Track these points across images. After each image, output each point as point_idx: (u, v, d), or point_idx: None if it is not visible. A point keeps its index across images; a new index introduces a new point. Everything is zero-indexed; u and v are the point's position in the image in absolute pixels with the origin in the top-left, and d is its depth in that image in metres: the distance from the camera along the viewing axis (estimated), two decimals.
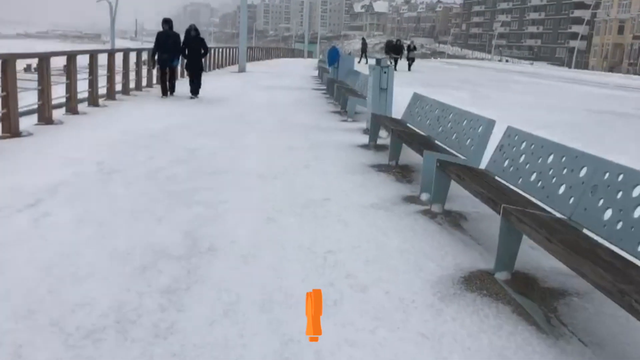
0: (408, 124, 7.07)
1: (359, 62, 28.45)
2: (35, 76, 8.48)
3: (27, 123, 7.85)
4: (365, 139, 7.95)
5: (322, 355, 2.43)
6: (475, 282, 3.25)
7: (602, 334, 2.76)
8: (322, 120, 9.98)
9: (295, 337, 2.56)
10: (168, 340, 2.52)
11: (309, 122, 9.65)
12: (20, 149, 6.33)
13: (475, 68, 39.68)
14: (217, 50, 24.40)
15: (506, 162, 4.34)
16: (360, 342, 2.56)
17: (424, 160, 4.98)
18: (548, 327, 2.78)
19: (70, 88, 9.15)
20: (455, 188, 4.62)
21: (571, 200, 3.36)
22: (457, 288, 3.16)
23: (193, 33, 12.08)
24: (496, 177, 4.40)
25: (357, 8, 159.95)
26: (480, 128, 5.00)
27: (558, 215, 3.39)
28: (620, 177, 3.04)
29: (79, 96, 9.77)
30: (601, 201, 3.09)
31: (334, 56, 16.28)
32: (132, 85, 12.71)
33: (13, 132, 7.03)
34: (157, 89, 12.47)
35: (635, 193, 2.88)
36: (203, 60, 12.74)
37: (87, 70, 10.19)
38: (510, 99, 15.91)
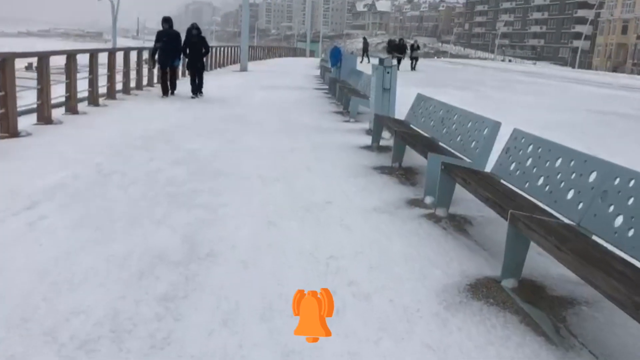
0: (411, 125, 6.98)
1: (360, 61, 28.33)
2: (36, 75, 8.40)
3: (26, 122, 7.77)
4: (367, 140, 7.86)
5: None
6: (482, 290, 3.16)
7: (613, 345, 2.67)
8: (324, 121, 9.89)
9: (296, 348, 2.48)
10: (164, 350, 2.44)
11: (310, 122, 9.56)
12: (18, 150, 6.26)
13: (478, 68, 39.55)
14: (218, 49, 24.32)
15: (512, 166, 4.25)
16: (363, 353, 2.48)
17: (428, 163, 4.89)
18: (557, 338, 2.69)
19: (70, 87, 9.07)
20: (459, 191, 4.53)
21: (580, 206, 3.27)
22: (463, 296, 3.07)
23: (194, 32, 11.98)
24: (502, 181, 4.31)
25: (360, 7, 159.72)
26: (486, 130, 4.90)
27: (566, 221, 3.30)
28: (632, 182, 2.94)
29: (80, 95, 9.71)
30: (612, 207, 3.00)
31: (336, 56, 16.19)
32: (132, 84, 12.64)
33: (11, 132, 6.95)
34: (158, 88, 12.39)
35: None
36: (204, 59, 12.64)
37: (88, 69, 10.14)
38: (513, 99, 15.80)
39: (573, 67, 59.97)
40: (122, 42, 55.95)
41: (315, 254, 3.57)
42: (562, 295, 3.14)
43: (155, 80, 13.74)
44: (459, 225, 4.30)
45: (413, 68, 27.45)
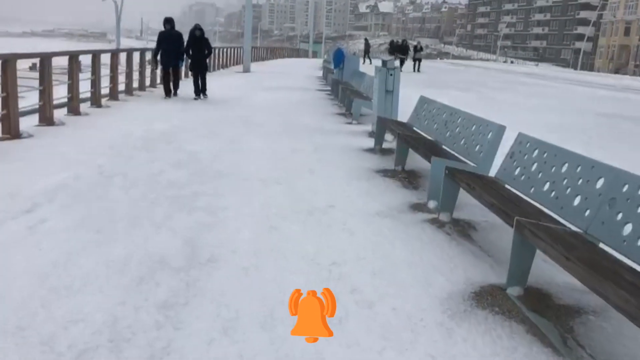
0: (414, 128, 6.93)
1: (363, 62, 28.30)
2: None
3: (28, 123, 7.75)
4: (370, 142, 7.81)
5: None
6: (487, 298, 3.10)
7: (622, 358, 2.61)
8: (326, 123, 9.84)
9: (297, 358, 2.43)
10: None
11: (313, 124, 9.52)
12: (19, 151, 6.22)
13: (481, 69, 39.47)
14: (221, 50, 24.30)
15: (517, 170, 4.20)
16: None
17: (431, 167, 4.84)
18: (565, 349, 2.63)
19: (72, 88, 9.04)
20: (463, 195, 4.47)
21: (587, 213, 3.21)
22: (468, 305, 3.02)
23: (198, 33, 11.90)
24: (506, 186, 4.26)
25: (362, 8, 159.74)
26: (490, 134, 4.85)
27: (573, 228, 3.24)
28: None
29: (83, 96, 9.69)
30: (620, 215, 2.95)
31: (339, 58, 16.14)
32: (135, 85, 12.61)
33: (13, 133, 6.92)
34: (160, 89, 12.35)
35: None
36: (207, 60, 12.58)
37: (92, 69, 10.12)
38: (516, 101, 15.73)
39: (575, 68, 59.84)
40: (125, 43, 56.03)
41: (318, 259, 3.52)
42: (568, 304, 3.08)
43: (158, 81, 13.70)
44: (463, 230, 4.24)
45: (417, 70, 27.39)
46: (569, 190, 3.49)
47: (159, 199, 4.64)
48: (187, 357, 2.41)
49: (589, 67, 66.49)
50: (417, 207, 4.78)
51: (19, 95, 8.27)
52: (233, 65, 24.96)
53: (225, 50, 25.14)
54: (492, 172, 4.70)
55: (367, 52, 34.64)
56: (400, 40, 30.86)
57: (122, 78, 11.83)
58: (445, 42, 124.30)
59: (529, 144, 4.23)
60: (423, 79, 21.97)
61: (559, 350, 2.62)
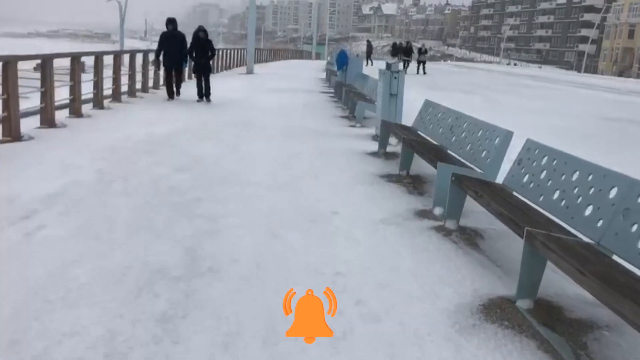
0: (419, 132, 6.83)
1: (366, 65, 28.21)
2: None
3: (29, 125, 7.68)
4: (374, 146, 7.72)
5: None
6: (496, 311, 3.00)
7: None
8: (330, 126, 9.76)
9: None
10: None
11: (316, 127, 9.43)
12: (19, 155, 6.14)
13: (484, 71, 39.34)
14: (225, 51, 24.25)
15: (526, 178, 4.10)
16: None
17: (437, 173, 4.74)
18: None
19: (75, 90, 8.97)
20: (469, 201, 4.37)
21: (600, 224, 3.11)
22: (477, 318, 2.92)
23: (201, 34, 11.78)
24: (514, 193, 4.16)
25: (366, 10, 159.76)
26: (497, 139, 4.76)
27: (585, 239, 3.14)
28: None
29: (86, 97, 9.62)
30: (635, 226, 2.85)
31: (342, 60, 16.06)
32: (138, 86, 12.54)
33: (13, 135, 6.84)
34: (163, 91, 12.26)
35: None
36: (211, 62, 12.46)
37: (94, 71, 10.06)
38: (520, 104, 15.62)
39: (579, 71, 59.65)
40: (129, 43, 56.04)
41: (321, 269, 3.43)
42: (580, 317, 2.98)
43: (161, 82, 13.62)
44: (470, 239, 4.14)
45: (423, 72, 27.30)
46: (580, 199, 3.39)
47: (160, 206, 4.55)
48: None
49: (592, 69, 66.23)
50: (423, 214, 4.68)
51: (23, 95, 8.22)
52: (236, 67, 24.89)
53: (228, 51, 25.09)
54: (499, 179, 4.61)
55: (369, 54, 34.53)
56: (404, 43, 30.76)
57: (125, 79, 11.77)
58: (448, 44, 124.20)
59: (537, 150, 4.13)
60: (426, 81, 21.87)
61: None
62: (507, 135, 4.67)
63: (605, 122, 12.97)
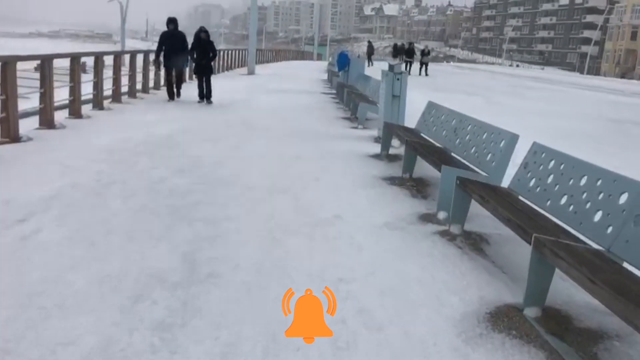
0: (422, 134, 6.75)
1: (367, 66, 28.14)
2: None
3: (28, 126, 7.61)
4: (376, 148, 7.64)
5: None
6: (503, 320, 2.92)
7: None
8: (331, 127, 9.68)
9: None
10: None
11: (318, 128, 9.36)
12: (17, 156, 6.07)
13: (487, 73, 39.24)
14: (226, 52, 24.19)
15: (532, 182, 4.01)
16: None
17: (442, 177, 4.66)
18: None
19: (74, 91, 8.91)
20: (473, 205, 4.29)
21: (609, 230, 3.03)
22: (483, 327, 2.84)
23: (203, 35, 11.68)
24: (520, 197, 4.08)
25: (367, 11, 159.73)
26: (503, 142, 4.67)
27: (594, 246, 3.06)
28: None
29: (86, 98, 9.56)
30: None
31: (343, 61, 15.97)
32: (138, 87, 12.48)
33: (12, 137, 6.77)
34: (164, 91, 12.19)
35: None
36: (212, 63, 12.36)
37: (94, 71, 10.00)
38: (524, 106, 15.54)
39: (582, 72, 59.51)
40: (131, 44, 56.04)
41: (324, 276, 3.35)
42: (590, 327, 2.89)
43: (161, 83, 13.54)
44: (475, 244, 4.06)
45: (426, 73, 27.24)
46: (588, 204, 3.30)
47: (159, 209, 4.47)
48: None
49: (595, 71, 66.11)
50: (427, 218, 4.59)
51: (24, 96, 8.18)
52: (237, 67, 24.83)
53: (230, 52, 25.03)
54: (504, 183, 4.53)
55: (370, 55, 34.45)
56: (406, 44, 30.69)
57: (125, 80, 11.70)
58: (450, 45, 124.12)
59: (544, 154, 4.04)
60: (429, 83, 21.80)
61: None
62: (513, 139, 4.58)
63: (609, 124, 12.88)
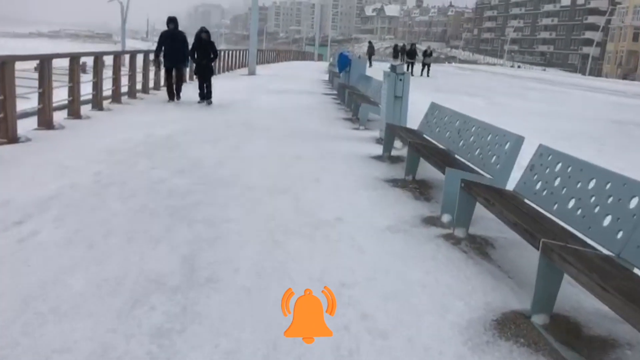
0: (425, 135, 6.68)
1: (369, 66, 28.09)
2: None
3: (27, 126, 7.55)
4: (378, 149, 7.56)
5: None
6: (510, 327, 2.85)
7: None
8: (332, 128, 9.61)
9: None
10: None
11: (319, 129, 9.29)
12: (15, 157, 6.00)
13: (488, 74, 39.19)
14: (227, 52, 24.12)
15: (538, 185, 3.94)
16: None
17: (446, 179, 4.58)
18: None
19: (74, 91, 8.84)
20: (477, 208, 4.22)
21: (619, 235, 2.96)
22: (490, 335, 2.77)
23: (204, 36, 11.57)
24: (525, 200, 4.01)
25: (369, 11, 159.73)
26: (508, 144, 4.60)
27: (604, 251, 2.98)
28: None
29: (86, 98, 9.49)
30: None
31: (344, 62, 15.88)
32: (138, 87, 12.41)
33: (10, 137, 6.70)
34: (164, 92, 12.12)
35: None
36: (213, 64, 12.27)
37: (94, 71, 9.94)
38: (526, 107, 15.47)
39: (583, 73, 59.44)
40: (131, 44, 56.01)
41: (325, 279, 3.27)
42: (600, 334, 2.82)
43: (162, 83, 13.46)
44: (480, 248, 3.98)
45: (427, 74, 27.20)
46: (597, 208, 3.23)
47: (158, 210, 4.40)
48: None
49: (596, 72, 66.04)
50: (430, 221, 4.52)
51: (24, 96, 8.12)
52: (238, 67, 24.77)
53: (230, 53, 24.96)
54: (509, 185, 4.46)
55: (370, 55, 34.39)
56: (407, 45, 30.65)
57: (125, 80, 11.63)
58: (451, 46, 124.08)
59: (550, 156, 3.97)
60: (430, 83, 21.74)
61: None
62: (518, 141, 4.51)
63: (611, 125, 12.81)
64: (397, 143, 7.53)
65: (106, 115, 9.43)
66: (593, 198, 3.30)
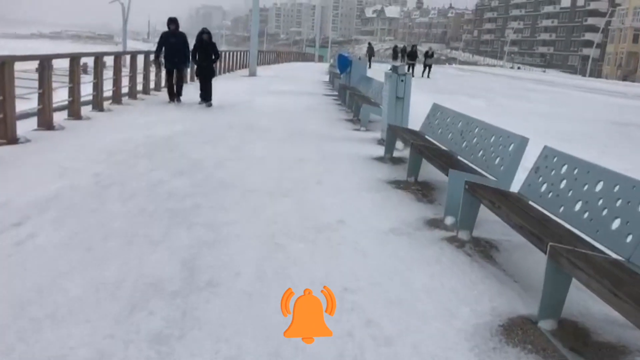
0: (427, 137, 6.62)
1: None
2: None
3: (27, 127, 7.50)
4: (380, 151, 7.50)
5: None
6: (517, 333, 2.78)
7: None
8: (334, 129, 9.55)
9: None
10: None
11: (320, 130, 9.23)
12: (14, 158, 5.94)
13: (489, 75, 39.15)
14: (228, 53, 24.08)
15: (544, 187, 3.88)
16: None
17: (449, 181, 4.52)
18: None
19: (74, 91, 8.78)
20: (480, 210, 4.15)
21: (629, 239, 2.89)
22: (497, 341, 2.70)
23: (205, 37, 11.48)
24: (530, 202, 3.95)
25: (369, 13, 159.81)
26: (512, 146, 4.54)
27: (613, 255, 2.92)
28: None
29: (86, 99, 9.44)
30: None
31: (344, 64, 15.82)
32: (139, 88, 12.35)
33: (9, 138, 6.64)
34: (165, 92, 12.06)
35: None
36: (214, 65, 12.19)
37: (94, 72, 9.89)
38: (528, 108, 15.40)
39: (583, 75, 59.42)
40: (132, 45, 56.04)
41: (328, 285, 3.19)
42: (609, 341, 2.76)
43: (162, 84, 13.39)
44: (485, 251, 3.92)
45: (428, 76, 27.17)
46: (605, 211, 3.17)
47: (157, 213, 4.34)
48: None
49: (596, 73, 66.00)
50: (434, 224, 4.46)
51: (24, 97, 8.07)
52: (239, 69, 24.73)
53: (231, 54, 24.92)
54: (513, 187, 4.40)
55: (370, 57, 34.35)
56: (408, 46, 30.62)
57: (125, 81, 11.57)
58: (451, 47, 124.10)
59: (556, 158, 3.91)
60: (430, 85, 21.69)
61: None
62: (523, 142, 4.45)
63: (613, 126, 12.74)
64: (399, 144, 7.47)
65: (106, 116, 9.38)
66: (601, 201, 3.24)
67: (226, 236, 3.92)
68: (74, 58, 8.90)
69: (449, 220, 4.46)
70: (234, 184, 5.39)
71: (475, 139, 5.31)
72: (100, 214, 4.26)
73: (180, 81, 11.87)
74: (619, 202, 3.08)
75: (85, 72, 14.23)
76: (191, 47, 11.60)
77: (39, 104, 7.75)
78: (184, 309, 2.84)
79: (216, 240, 3.82)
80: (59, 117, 8.26)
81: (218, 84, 12.99)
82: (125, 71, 11.88)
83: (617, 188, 3.16)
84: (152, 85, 13.13)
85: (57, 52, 9.47)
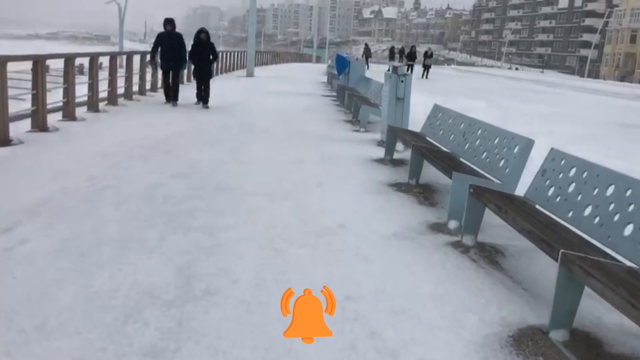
0: (428, 138, 6.51)
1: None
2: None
3: (20, 128, 7.36)
4: (380, 152, 7.39)
5: None
6: (527, 344, 2.67)
7: None
8: (333, 130, 9.43)
9: None
10: None
11: (319, 131, 9.11)
12: (6, 160, 5.81)
13: (487, 76, 39.11)
14: (225, 54, 23.94)
15: (551, 191, 3.77)
16: None
17: (453, 184, 4.41)
18: None
19: (68, 92, 8.64)
20: (484, 214, 4.04)
21: None
22: (507, 352, 2.59)
23: (203, 36, 11.29)
24: (537, 206, 3.83)
25: (366, 14, 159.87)
26: (517, 148, 4.43)
27: (627, 262, 2.81)
28: None
29: (82, 100, 9.30)
30: None
31: (342, 64, 15.70)
32: (135, 89, 12.21)
33: (2, 140, 6.50)
34: (161, 93, 11.93)
35: None
36: (212, 66, 12.03)
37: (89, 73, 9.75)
38: (528, 109, 15.30)
39: (581, 76, 59.46)
40: (129, 46, 55.79)
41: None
42: (623, 352, 2.64)
43: (159, 85, 13.25)
44: (490, 256, 3.81)
45: (426, 76, 27.09)
46: (617, 216, 3.05)
47: (153, 217, 4.21)
48: None
49: (594, 74, 66.05)
50: (437, 228, 4.34)
51: (18, 97, 7.93)
52: (236, 69, 24.59)
53: (228, 54, 24.78)
54: (518, 190, 4.29)
55: (367, 57, 34.24)
56: (408, 47, 30.55)
57: (121, 82, 11.43)
58: (449, 48, 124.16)
59: (563, 160, 3.80)
60: (429, 86, 21.58)
61: None
62: (528, 144, 4.34)
63: (614, 127, 12.66)
64: (399, 146, 7.35)
65: (102, 117, 9.24)
66: (612, 205, 3.12)
67: (224, 241, 3.80)
68: (69, 58, 8.75)
69: (453, 224, 4.34)
70: (232, 186, 5.27)
71: (478, 141, 5.20)
72: (94, 219, 4.13)
73: (177, 85, 11.59)
74: (632, 207, 2.97)
75: (82, 72, 14.07)
76: (188, 47, 11.46)
77: (32, 105, 7.60)
78: (180, 319, 2.72)
79: (214, 246, 3.70)
80: (53, 119, 8.12)
81: (216, 85, 12.85)
82: (121, 72, 11.74)
83: (629, 192, 3.05)
84: (148, 86, 12.98)
85: (53, 52, 9.33)
